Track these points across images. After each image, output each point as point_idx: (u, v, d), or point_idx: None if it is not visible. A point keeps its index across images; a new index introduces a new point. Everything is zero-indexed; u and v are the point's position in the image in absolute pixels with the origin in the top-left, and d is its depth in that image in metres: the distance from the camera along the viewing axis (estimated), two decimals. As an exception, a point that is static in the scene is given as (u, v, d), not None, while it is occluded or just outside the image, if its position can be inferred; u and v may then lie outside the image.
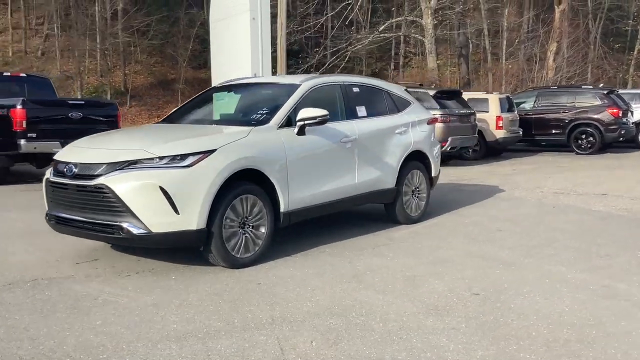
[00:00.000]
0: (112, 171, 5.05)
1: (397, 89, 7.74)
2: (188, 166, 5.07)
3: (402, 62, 41.89)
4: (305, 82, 6.42)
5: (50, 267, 5.51)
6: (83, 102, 11.54)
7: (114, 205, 5.00)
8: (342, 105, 6.68)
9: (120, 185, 4.96)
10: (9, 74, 12.41)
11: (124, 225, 4.99)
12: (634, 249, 6.22)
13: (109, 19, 39.12)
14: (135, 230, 4.97)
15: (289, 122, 5.98)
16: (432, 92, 14.02)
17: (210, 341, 3.80)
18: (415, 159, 7.46)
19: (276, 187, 5.68)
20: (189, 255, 5.64)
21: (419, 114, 7.68)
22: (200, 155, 5.15)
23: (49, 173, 5.65)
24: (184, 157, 5.10)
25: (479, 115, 15.29)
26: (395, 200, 7.21)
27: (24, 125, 9.95)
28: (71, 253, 5.97)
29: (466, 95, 15.76)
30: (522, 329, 4.03)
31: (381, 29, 32.46)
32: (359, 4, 28.71)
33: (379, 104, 7.22)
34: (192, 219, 5.04)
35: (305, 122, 5.90)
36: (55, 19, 38.69)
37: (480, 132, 15.39)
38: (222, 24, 13.67)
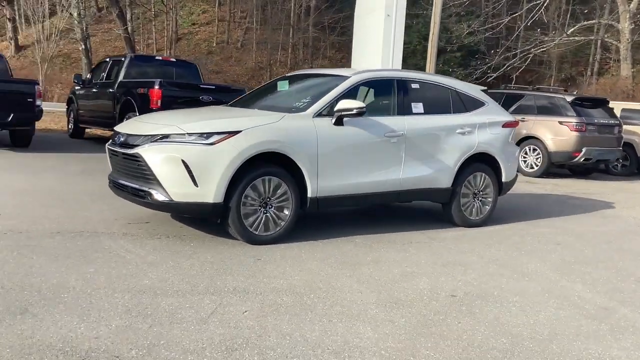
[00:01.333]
0: (147, 142, 5.65)
1: (468, 88, 7.57)
2: (211, 144, 5.51)
3: (597, 68, 39.38)
4: (354, 76, 6.59)
5: (103, 223, 6.26)
6: (214, 87, 12.50)
7: (146, 173, 5.60)
8: (395, 101, 6.73)
9: (151, 155, 5.55)
10: (160, 57, 13.79)
11: (152, 192, 5.57)
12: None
13: (302, 14, 41.00)
14: (160, 198, 5.54)
15: (331, 112, 6.19)
16: (570, 98, 13.23)
17: (160, 298, 4.21)
18: (481, 161, 7.29)
19: (304, 172, 5.94)
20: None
21: (493, 115, 7.47)
22: (225, 135, 5.57)
23: (110, 141, 6.40)
24: (209, 135, 5.56)
25: (632, 128, 14.16)
26: (450, 200, 7.13)
27: (159, 104, 11.07)
28: (134, 215, 6.69)
29: (621, 105, 14.64)
30: (457, 331, 3.97)
31: (570, 31, 30.82)
32: (545, 3, 27.41)
33: (442, 102, 7.15)
34: (210, 192, 5.49)
35: (342, 112, 6.09)
36: (255, 14, 41.40)
37: (630, 146, 14.25)
38: (363, 19, 14.03)
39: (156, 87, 11.19)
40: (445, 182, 7.00)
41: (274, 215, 5.86)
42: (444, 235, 6.77)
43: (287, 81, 7.27)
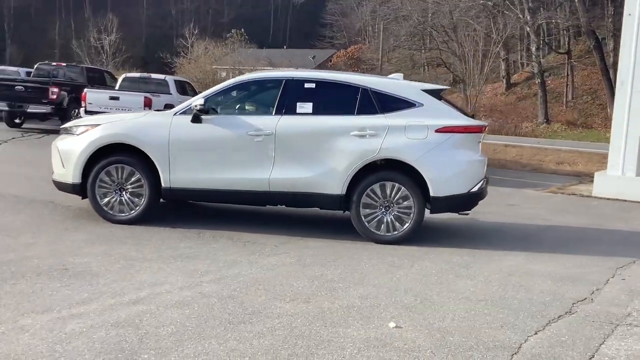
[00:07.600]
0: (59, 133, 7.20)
1: (392, 88, 6.37)
2: (77, 135, 6.73)
3: None
4: (236, 78, 6.76)
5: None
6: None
7: (55, 157, 7.14)
8: (276, 101, 6.48)
9: (52, 143, 7.07)
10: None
11: (53, 172, 7.09)
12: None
13: None
14: (53, 177, 7.02)
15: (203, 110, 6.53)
16: None
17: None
18: (394, 169, 6.25)
19: (155, 163, 6.51)
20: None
21: (420, 118, 6.19)
22: (87, 128, 6.71)
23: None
24: (81, 128, 6.78)
25: None
26: (347, 209, 6.38)
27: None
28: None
29: None
30: None
31: None
32: None
33: (344, 102, 6.42)
34: (69, 174, 6.68)
35: (193, 111, 6.44)
36: None
37: None
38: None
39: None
40: (335, 188, 6.29)
41: (128, 200, 6.63)
42: (304, 244, 6.23)
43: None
